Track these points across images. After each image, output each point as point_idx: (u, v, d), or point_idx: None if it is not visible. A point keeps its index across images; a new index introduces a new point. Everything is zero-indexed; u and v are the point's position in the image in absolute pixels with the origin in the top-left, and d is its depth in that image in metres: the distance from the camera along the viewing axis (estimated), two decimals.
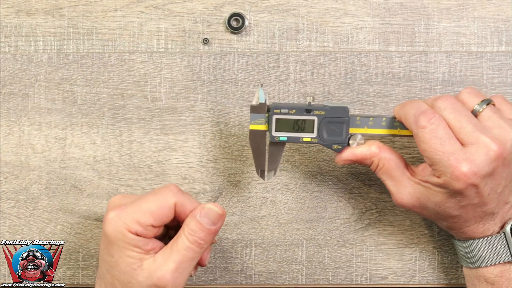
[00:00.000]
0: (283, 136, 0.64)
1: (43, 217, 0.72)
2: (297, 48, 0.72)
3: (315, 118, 0.64)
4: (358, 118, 0.64)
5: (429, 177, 0.60)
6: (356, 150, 0.64)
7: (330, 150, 0.71)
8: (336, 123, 0.64)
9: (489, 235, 0.62)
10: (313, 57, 0.72)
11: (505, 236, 0.62)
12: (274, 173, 0.66)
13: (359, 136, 0.64)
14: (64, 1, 0.72)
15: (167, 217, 0.62)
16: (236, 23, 0.72)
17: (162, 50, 0.72)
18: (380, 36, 0.72)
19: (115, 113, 0.72)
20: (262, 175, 0.66)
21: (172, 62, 0.72)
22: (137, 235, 0.60)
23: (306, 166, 0.72)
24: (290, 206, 0.72)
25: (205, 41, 0.72)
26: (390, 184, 0.63)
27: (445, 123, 0.59)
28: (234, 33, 0.72)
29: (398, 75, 0.71)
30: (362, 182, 0.72)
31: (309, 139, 0.64)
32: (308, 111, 0.64)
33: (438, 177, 0.59)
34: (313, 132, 0.64)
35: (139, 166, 0.72)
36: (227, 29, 0.72)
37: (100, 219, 0.72)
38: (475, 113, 0.61)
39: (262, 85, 0.65)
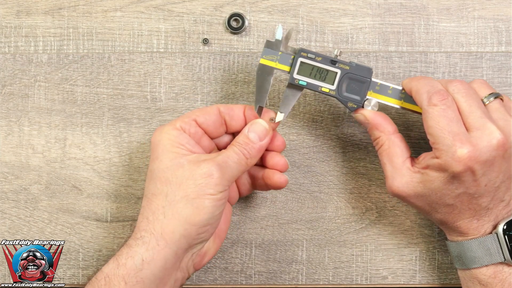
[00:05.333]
0: (303, 80, 0.64)
1: (43, 217, 0.72)
2: None
3: (339, 71, 0.64)
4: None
5: (429, 161, 0.61)
6: (377, 116, 0.64)
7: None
8: (357, 82, 0.64)
9: (482, 235, 0.62)
10: None
11: (497, 236, 0.62)
12: (285, 116, 0.65)
13: (374, 101, 0.64)
14: (64, 1, 0.72)
15: (211, 116, 0.64)
16: (236, 23, 0.71)
17: (162, 50, 0.72)
18: (380, 36, 0.72)
19: (115, 113, 0.72)
20: (259, 111, 0.65)
21: (172, 62, 0.72)
22: (183, 131, 0.63)
23: (306, 166, 0.72)
24: (290, 206, 0.72)
25: (205, 41, 0.72)
26: (388, 169, 0.63)
27: (456, 107, 0.60)
28: (234, 33, 0.72)
29: (398, 75, 0.71)
30: (362, 182, 0.72)
31: (327, 90, 0.64)
32: (334, 62, 0.64)
33: (438, 157, 0.60)
34: (333, 84, 0.64)
35: (139, 166, 0.72)
36: (227, 29, 0.72)
37: (100, 219, 0.72)
38: (483, 104, 0.62)
39: (280, 23, 0.65)
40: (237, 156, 0.62)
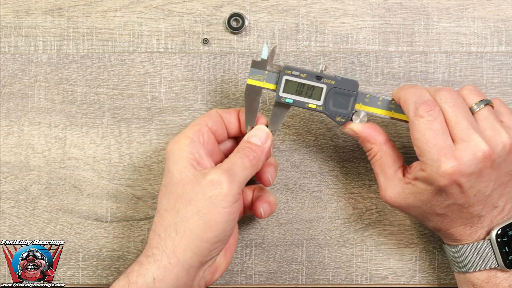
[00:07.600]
0: (289, 98, 0.64)
1: (43, 217, 0.72)
2: (297, 48, 0.72)
3: (324, 86, 0.64)
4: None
5: (417, 172, 0.60)
6: (366, 128, 0.63)
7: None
8: (343, 95, 0.64)
9: (476, 240, 0.62)
10: (313, 57, 0.72)
11: (490, 242, 0.62)
12: (273, 134, 0.65)
13: (363, 113, 0.64)
14: (64, 1, 0.72)
15: (216, 118, 0.64)
16: (236, 23, 0.72)
17: (162, 50, 0.72)
18: (380, 36, 0.72)
19: (115, 113, 0.72)
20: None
21: (172, 62, 0.72)
22: (196, 139, 0.62)
23: (306, 166, 0.72)
24: (290, 206, 0.72)
25: (205, 41, 0.72)
26: (381, 179, 0.64)
27: (443, 117, 0.60)
28: (234, 33, 0.72)
29: (398, 75, 0.71)
30: (362, 182, 0.72)
31: (314, 106, 0.64)
32: (319, 78, 0.64)
33: (424, 170, 0.59)
34: (319, 100, 0.64)
35: (139, 166, 0.72)
36: (227, 29, 0.72)
37: (100, 219, 0.72)
38: (472, 111, 0.61)
39: (267, 42, 0.65)
40: (241, 161, 0.61)
